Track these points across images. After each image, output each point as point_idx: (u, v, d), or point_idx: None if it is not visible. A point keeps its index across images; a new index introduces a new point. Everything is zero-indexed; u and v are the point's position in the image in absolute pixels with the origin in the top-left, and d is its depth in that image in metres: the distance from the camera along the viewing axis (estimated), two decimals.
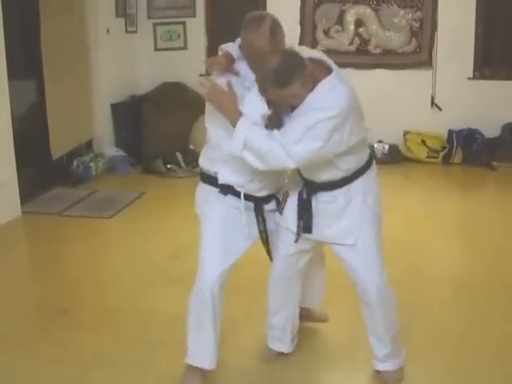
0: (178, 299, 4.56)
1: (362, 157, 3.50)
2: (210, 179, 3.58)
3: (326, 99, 3.16)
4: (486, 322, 4.54)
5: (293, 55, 3.21)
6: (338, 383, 3.85)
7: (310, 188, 3.54)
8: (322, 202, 3.52)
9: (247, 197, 3.55)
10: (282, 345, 3.99)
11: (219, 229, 3.58)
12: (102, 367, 3.96)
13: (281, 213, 3.67)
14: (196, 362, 3.65)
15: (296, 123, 3.17)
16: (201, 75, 9.69)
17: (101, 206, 7.30)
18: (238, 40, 3.53)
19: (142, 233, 6.42)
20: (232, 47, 3.53)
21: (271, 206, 3.69)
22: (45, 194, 7.68)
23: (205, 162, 3.64)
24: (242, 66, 3.45)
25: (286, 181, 3.76)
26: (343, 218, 3.51)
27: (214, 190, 3.58)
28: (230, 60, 3.44)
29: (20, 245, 6.37)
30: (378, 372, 3.80)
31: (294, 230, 3.58)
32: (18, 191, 6.97)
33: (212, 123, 3.47)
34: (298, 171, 3.58)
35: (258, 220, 3.62)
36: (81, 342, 4.25)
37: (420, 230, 6.41)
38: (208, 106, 3.42)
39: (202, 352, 3.64)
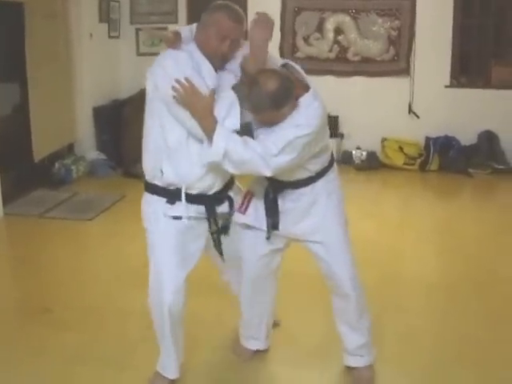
0: None
1: (325, 158, 3.59)
2: (155, 188, 3.51)
3: (306, 116, 3.25)
4: (459, 325, 4.60)
5: (287, 77, 3.28)
6: (314, 380, 3.90)
7: (276, 187, 3.60)
8: (288, 201, 3.61)
9: (196, 199, 3.45)
10: (258, 342, 4.06)
11: (171, 245, 3.51)
12: (83, 365, 4.00)
13: (243, 213, 3.69)
14: (162, 372, 3.75)
15: (277, 138, 3.21)
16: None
17: (82, 208, 7.34)
18: (193, 25, 3.50)
19: (122, 235, 6.46)
20: (184, 29, 3.50)
21: (223, 207, 3.61)
22: (26, 196, 7.73)
23: (147, 169, 3.57)
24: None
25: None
26: (310, 215, 3.61)
27: (161, 201, 3.47)
28: (178, 38, 3.37)
29: (1, 246, 6.39)
30: (349, 369, 3.87)
31: (265, 227, 3.65)
32: (0, 193, 7.01)
33: (164, 119, 3.35)
34: None
35: (209, 222, 3.53)
36: (62, 341, 4.29)
37: (396, 236, 6.49)
38: (152, 101, 3.37)
39: (166, 362, 3.73)
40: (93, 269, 5.71)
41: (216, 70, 3.32)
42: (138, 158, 8.71)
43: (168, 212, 3.46)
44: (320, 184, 3.60)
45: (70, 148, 9.06)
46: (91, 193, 8.03)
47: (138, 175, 8.46)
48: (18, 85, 8.07)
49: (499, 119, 9.31)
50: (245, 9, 9.52)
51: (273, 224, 3.63)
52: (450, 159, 9.25)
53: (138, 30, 10.04)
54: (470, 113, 9.36)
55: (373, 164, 9.28)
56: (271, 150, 3.20)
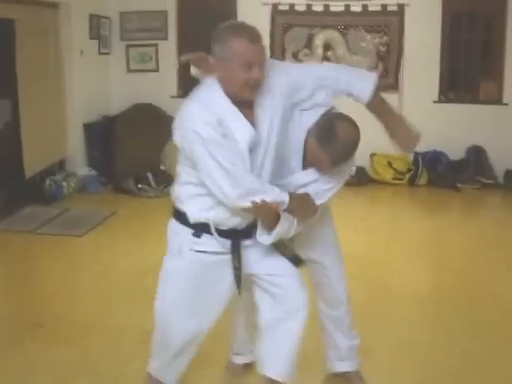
0: (149, 315, 4.62)
1: None
2: (183, 218, 3.26)
3: None
4: (449, 338, 4.63)
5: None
6: None
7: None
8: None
9: (224, 233, 3.20)
10: (246, 357, 4.07)
11: (187, 281, 3.34)
12: (74, 379, 3.99)
13: None
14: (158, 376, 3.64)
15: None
16: (172, 97, 9.85)
17: (73, 224, 7.35)
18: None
19: (113, 250, 6.49)
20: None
21: (250, 240, 3.31)
22: (18, 212, 7.73)
23: (176, 199, 3.31)
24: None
25: None
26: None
27: (188, 233, 3.24)
28: (206, 58, 3.20)
29: None
30: (339, 375, 3.92)
31: None
32: None
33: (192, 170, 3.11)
34: None
35: (232, 257, 3.26)
36: (54, 356, 4.28)
37: (386, 250, 6.53)
38: (184, 150, 3.08)
39: (165, 371, 3.61)
40: (84, 284, 5.74)
41: (251, 117, 3.05)
42: (128, 173, 8.83)
43: (193, 246, 3.24)
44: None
45: (61, 164, 9.07)
46: (82, 209, 8.05)
47: (129, 191, 8.58)
48: (9, 101, 8.10)
49: (487, 134, 9.39)
50: None
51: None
52: (438, 174, 9.32)
53: (128, 46, 10.10)
54: (459, 128, 9.44)
55: (362, 179, 9.33)
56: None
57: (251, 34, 2.93)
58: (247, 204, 2.97)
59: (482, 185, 9.30)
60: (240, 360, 4.11)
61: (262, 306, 3.38)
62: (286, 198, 3.03)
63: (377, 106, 3.38)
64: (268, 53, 9.54)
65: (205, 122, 2.93)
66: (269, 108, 3.08)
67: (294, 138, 3.23)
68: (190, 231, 3.23)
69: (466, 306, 5.24)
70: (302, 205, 3.13)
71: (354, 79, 3.34)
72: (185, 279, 3.33)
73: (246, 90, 2.97)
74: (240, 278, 3.30)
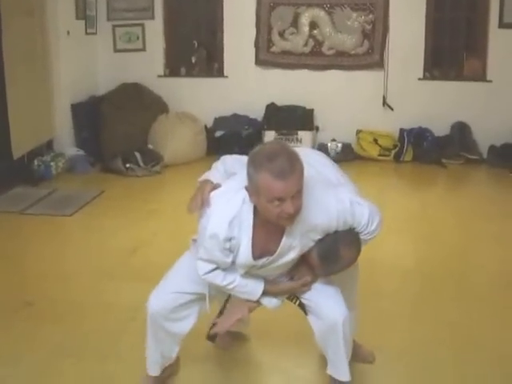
0: (138, 292, 4.65)
1: None
2: None
3: None
4: (435, 310, 4.67)
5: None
6: (290, 368, 3.95)
7: None
8: None
9: None
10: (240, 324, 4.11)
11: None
12: (64, 358, 4.00)
13: None
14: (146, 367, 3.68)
15: None
16: (159, 76, 9.88)
17: (61, 204, 7.36)
18: (220, 164, 3.31)
19: (102, 230, 6.51)
20: (214, 175, 3.24)
21: None
22: (6, 193, 7.75)
23: None
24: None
25: None
26: None
27: None
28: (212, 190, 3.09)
29: None
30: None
31: None
32: None
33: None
34: None
35: None
36: (44, 334, 4.29)
37: None
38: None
39: (147, 358, 3.65)
40: (74, 263, 5.73)
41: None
42: (116, 153, 8.85)
43: None
44: None
45: (49, 145, 9.07)
46: (71, 189, 8.05)
47: (117, 171, 8.59)
48: None
49: (471, 111, 9.46)
50: (221, 6, 9.67)
51: None
52: (423, 150, 9.39)
53: (114, 26, 10.08)
54: (443, 104, 9.52)
55: (348, 156, 9.38)
56: None
57: (280, 168, 2.68)
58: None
59: (467, 160, 9.36)
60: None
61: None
62: (256, 294, 3.21)
63: None
64: (254, 31, 9.61)
65: (215, 234, 2.94)
66: (298, 237, 3.02)
67: None
68: None
69: (452, 278, 5.30)
70: (284, 291, 3.30)
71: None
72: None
73: (282, 221, 2.85)
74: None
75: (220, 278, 3.14)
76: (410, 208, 7.35)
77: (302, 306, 3.39)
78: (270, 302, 3.29)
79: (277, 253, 3.04)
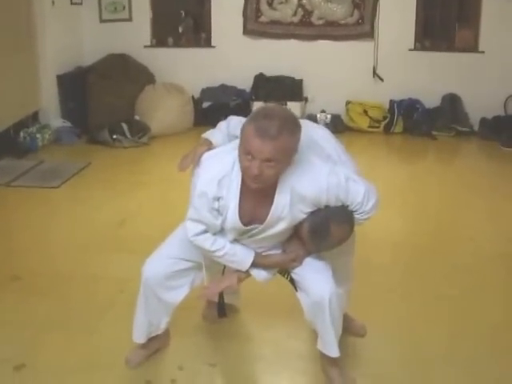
0: (126, 264, 4.68)
1: None
2: None
3: None
4: (424, 283, 4.69)
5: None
6: (281, 339, 3.95)
7: None
8: None
9: None
10: (227, 296, 4.01)
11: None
12: (52, 331, 3.99)
13: None
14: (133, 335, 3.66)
15: None
16: (145, 46, 9.77)
17: (48, 176, 7.30)
18: (225, 124, 3.31)
19: (90, 201, 6.47)
20: (216, 135, 3.27)
21: None
22: None
23: None
24: None
25: None
26: None
27: None
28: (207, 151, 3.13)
29: None
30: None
31: None
32: None
33: None
34: None
35: None
36: (32, 307, 4.28)
37: None
38: None
39: (134, 325, 3.62)
40: (61, 235, 5.70)
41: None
42: (102, 124, 8.77)
43: None
44: None
45: (35, 116, 8.97)
46: (57, 160, 7.99)
47: (104, 142, 8.52)
48: None
49: (463, 82, 9.42)
50: None
51: None
52: (414, 122, 9.34)
53: None
54: (434, 76, 9.46)
55: (338, 127, 9.28)
56: None
57: (266, 128, 2.71)
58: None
59: (458, 132, 9.34)
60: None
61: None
62: (245, 265, 3.20)
63: None
64: (242, 1, 9.50)
65: (204, 193, 2.97)
66: (287, 207, 3.00)
67: None
68: None
69: (441, 251, 5.30)
70: (274, 264, 3.29)
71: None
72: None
73: (248, 179, 2.87)
74: None
75: (209, 243, 3.13)
76: (399, 180, 7.33)
77: (292, 281, 3.37)
78: (260, 275, 3.28)
79: (266, 222, 3.04)
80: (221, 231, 3.13)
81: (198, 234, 3.12)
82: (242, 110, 9.06)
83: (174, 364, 3.67)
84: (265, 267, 3.26)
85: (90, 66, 9.57)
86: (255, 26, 9.75)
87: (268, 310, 4.25)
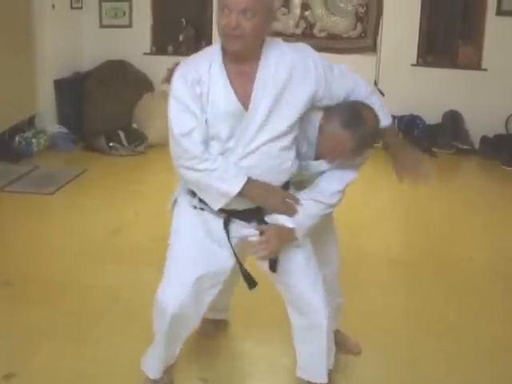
0: (120, 273, 4.65)
1: None
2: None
3: None
4: (422, 300, 4.70)
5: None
6: (274, 356, 3.91)
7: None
8: None
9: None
10: (218, 312, 4.03)
11: (189, 235, 3.16)
12: (44, 339, 3.98)
13: None
14: (144, 368, 3.46)
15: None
16: (145, 54, 9.71)
17: (43, 182, 7.27)
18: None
19: (84, 209, 6.43)
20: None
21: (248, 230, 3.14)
22: None
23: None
24: None
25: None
26: None
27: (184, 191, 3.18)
28: None
29: None
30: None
31: None
32: None
33: None
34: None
35: (224, 225, 3.12)
36: (23, 315, 4.27)
37: (360, 213, 6.48)
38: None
39: (150, 361, 3.44)
40: (55, 242, 5.68)
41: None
42: (99, 131, 8.70)
43: (192, 202, 3.12)
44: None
45: (31, 121, 8.92)
46: (52, 167, 7.98)
47: (100, 149, 8.46)
48: None
49: (464, 99, 9.36)
50: None
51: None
52: (414, 138, 9.27)
53: (101, 0, 9.88)
54: (436, 92, 9.40)
55: None
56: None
57: None
58: (189, 177, 2.97)
59: (458, 150, 9.28)
60: (209, 315, 3.96)
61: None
62: (234, 188, 2.89)
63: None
64: None
65: (181, 75, 2.88)
66: (281, 84, 2.90)
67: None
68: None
69: (439, 269, 5.32)
70: (266, 196, 3.00)
71: (379, 104, 3.22)
72: (187, 230, 3.15)
73: (226, 40, 2.80)
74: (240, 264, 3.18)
75: (199, 149, 2.88)
76: (398, 197, 7.27)
77: (247, 276, 3.19)
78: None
79: (251, 106, 2.87)
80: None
81: (184, 135, 2.88)
82: None
83: None
84: (255, 198, 2.99)
85: (89, 71, 9.52)
86: None
87: (259, 325, 4.24)
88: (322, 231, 3.56)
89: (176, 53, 9.83)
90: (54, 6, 8.91)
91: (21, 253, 5.38)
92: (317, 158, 3.24)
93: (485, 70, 9.26)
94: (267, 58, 2.88)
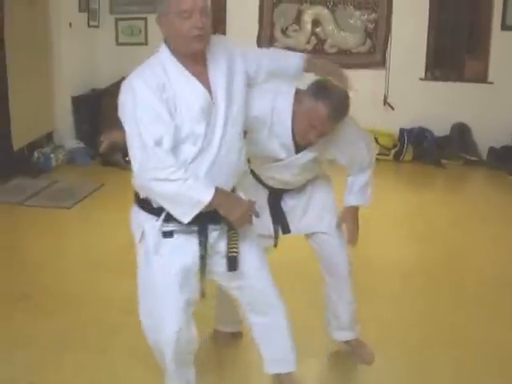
0: (135, 286, 4.72)
1: None
2: (144, 202, 3.08)
3: None
4: (433, 310, 4.73)
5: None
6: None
7: (276, 193, 3.72)
8: (289, 199, 3.76)
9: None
10: (237, 325, 4.12)
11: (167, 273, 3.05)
12: (62, 351, 4.02)
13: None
14: None
15: None
16: None
17: (61, 196, 7.37)
18: None
19: (101, 223, 6.50)
20: None
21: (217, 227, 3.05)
22: (6, 184, 7.75)
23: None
24: None
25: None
26: (310, 207, 3.80)
27: (152, 219, 3.02)
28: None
29: None
30: (343, 344, 4.06)
31: (272, 233, 3.74)
32: None
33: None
34: (261, 181, 3.72)
35: (200, 245, 3.01)
36: (41, 327, 4.32)
37: (370, 224, 6.36)
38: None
39: None
40: (72, 256, 5.76)
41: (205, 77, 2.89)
42: (116, 146, 8.78)
43: (160, 227, 3.00)
44: (317, 180, 3.84)
45: (49, 137, 9.08)
46: (70, 181, 8.06)
47: (117, 164, 8.57)
48: None
49: (472, 112, 9.46)
50: (224, 2, 9.66)
51: (283, 228, 3.74)
52: (423, 150, 9.40)
53: (117, 19, 10.06)
54: (444, 105, 9.51)
55: None
56: None
57: None
58: (161, 189, 2.81)
59: (466, 161, 9.39)
60: (228, 329, 4.18)
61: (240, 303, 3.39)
62: (206, 197, 2.80)
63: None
64: (257, 28, 9.57)
65: (145, 82, 2.80)
66: (226, 71, 2.95)
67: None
68: (154, 218, 3.01)
69: (449, 279, 5.34)
70: (232, 208, 2.91)
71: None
72: (167, 266, 3.04)
73: (193, 42, 2.79)
74: (204, 268, 3.08)
75: (172, 160, 2.77)
76: (408, 208, 7.36)
77: (232, 259, 3.11)
78: None
79: (216, 93, 2.89)
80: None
81: (157, 144, 2.75)
82: None
83: None
84: (222, 207, 2.88)
85: (105, 88, 9.62)
86: None
87: None
88: (330, 229, 3.83)
89: None
90: (71, 25, 9.12)
91: (39, 266, 5.44)
92: (298, 149, 3.39)
93: (491, 83, 9.38)
94: (211, 53, 2.94)
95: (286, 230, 3.77)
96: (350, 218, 3.83)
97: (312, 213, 3.80)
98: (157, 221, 2.98)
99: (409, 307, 4.82)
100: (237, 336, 4.22)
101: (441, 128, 9.52)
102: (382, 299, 4.86)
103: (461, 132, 9.47)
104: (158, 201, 2.92)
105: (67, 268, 5.46)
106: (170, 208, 2.89)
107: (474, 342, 4.28)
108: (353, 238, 3.83)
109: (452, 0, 9.62)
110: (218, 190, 2.82)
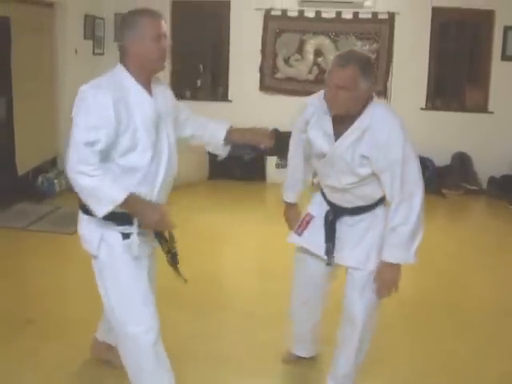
0: None
1: None
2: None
3: None
4: (432, 339, 4.77)
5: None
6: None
7: (337, 212, 3.63)
8: (345, 225, 3.62)
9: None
10: (305, 351, 4.24)
11: (133, 269, 3.48)
12: (67, 376, 4.06)
13: (299, 234, 3.68)
14: None
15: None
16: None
17: (64, 221, 7.38)
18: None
19: None
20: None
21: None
22: (10, 209, 7.78)
23: None
24: None
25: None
26: (364, 241, 3.59)
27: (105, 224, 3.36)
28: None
29: None
30: None
31: (322, 253, 3.66)
32: None
33: None
34: (324, 196, 3.70)
35: (160, 243, 3.51)
36: (46, 352, 4.34)
37: None
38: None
39: None
40: (75, 281, 5.76)
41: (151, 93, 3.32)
42: None
43: (118, 229, 3.35)
44: (379, 211, 3.61)
45: (53, 162, 9.14)
46: (74, 206, 7.75)
47: None
48: (4, 99, 8.15)
49: (472, 141, 9.57)
50: (227, 32, 9.75)
51: (327, 249, 3.63)
52: (424, 179, 9.36)
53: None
54: (445, 135, 9.61)
55: None
56: None
57: (153, 13, 3.26)
58: (81, 181, 3.11)
59: (467, 191, 9.47)
60: (300, 352, 4.24)
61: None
62: (120, 196, 3.09)
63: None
64: (260, 57, 9.66)
65: (96, 93, 3.16)
66: (164, 94, 3.47)
67: None
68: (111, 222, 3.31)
69: (448, 308, 5.39)
70: (144, 212, 3.20)
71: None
72: (129, 267, 3.49)
73: (160, 62, 3.27)
74: (176, 259, 3.54)
75: (96, 159, 3.08)
76: None
77: (173, 258, 3.49)
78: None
79: (158, 103, 3.34)
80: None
81: (88, 144, 3.05)
82: (256, 163, 9.19)
83: None
84: (135, 209, 3.20)
85: None
86: (271, 82, 9.96)
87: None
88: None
89: (194, 98, 10.10)
90: (76, 51, 9.22)
91: (42, 291, 5.46)
92: (337, 136, 3.44)
93: (491, 112, 9.51)
94: (154, 80, 3.41)
95: (330, 252, 3.64)
96: (380, 279, 3.58)
97: (363, 247, 3.59)
98: (117, 225, 3.29)
99: (407, 335, 4.86)
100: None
101: (442, 157, 9.61)
102: (381, 327, 4.76)
103: (461, 161, 9.57)
104: (79, 194, 3.22)
105: (71, 293, 5.48)
106: (88, 202, 3.19)
107: (473, 367, 4.34)
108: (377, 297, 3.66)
109: (453, 30, 9.76)
110: (132, 194, 3.12)
